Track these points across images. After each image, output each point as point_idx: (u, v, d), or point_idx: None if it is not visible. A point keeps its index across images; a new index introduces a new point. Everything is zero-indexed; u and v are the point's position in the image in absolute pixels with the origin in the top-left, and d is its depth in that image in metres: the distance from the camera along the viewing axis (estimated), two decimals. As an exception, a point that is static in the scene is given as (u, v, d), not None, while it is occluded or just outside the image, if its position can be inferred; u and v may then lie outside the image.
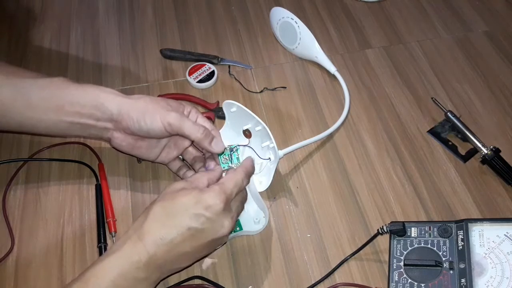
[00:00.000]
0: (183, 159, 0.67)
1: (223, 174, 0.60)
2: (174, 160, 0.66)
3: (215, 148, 0.61)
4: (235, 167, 0.65)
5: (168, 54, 0.83)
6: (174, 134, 0.61)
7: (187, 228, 0.51)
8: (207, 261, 0.61)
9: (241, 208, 0.58)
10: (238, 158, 0.65)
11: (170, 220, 0.51)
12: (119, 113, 0.59)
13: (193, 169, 0.65)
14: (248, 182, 0.58)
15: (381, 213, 0.65)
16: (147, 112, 0.59)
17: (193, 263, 0.57)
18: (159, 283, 0.54)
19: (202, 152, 0.66)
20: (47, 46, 0.86)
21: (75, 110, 0.60)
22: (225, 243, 0.59)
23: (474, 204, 0.66)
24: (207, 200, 0.52)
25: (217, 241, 0.54)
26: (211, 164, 0.62)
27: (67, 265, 0.60)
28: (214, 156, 0.63)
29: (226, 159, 0.64)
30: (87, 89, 0.61)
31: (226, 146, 0.63)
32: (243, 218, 0.61)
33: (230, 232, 0.55)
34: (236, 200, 0.56)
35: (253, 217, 0.63)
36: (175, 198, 0.53)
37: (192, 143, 0.65)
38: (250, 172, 0.59)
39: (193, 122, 0.60)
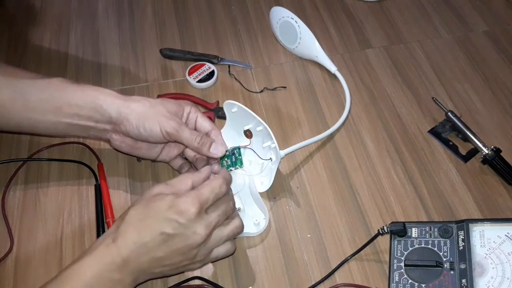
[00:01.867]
0: (185, 157, 0.67)
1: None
2: (176, 158, 0.66)
3: (214, 153, 0.60)
4: (234, 171, 0.65)
5: (168, 54, 0.83)
6: (173, 141, 0.61)
7: (159, 232, 0.51)
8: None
9: (223, 217, 0.55)
10: (241, 160, 0.65)
11: (143, 224, 0.51)
12: (118, 117, 0.59)
13: (195, 168, 0.65)
14: (227, 189, 0.56)
15: (381, 213, 0.65)
16: (146, 119, 0.59)
17: (175, 273, 0.56)
18: (139, 284, 0.54)
19: None
20: (46, 45, 0.86)
21: (74, 112, 0.59)
22: (208, 262, 0.57)
23: (475, 204, 0.66)
24: (180, 206, 0.51)
25: (192, 249, 0.52)
26: (215, 166, 0.61)
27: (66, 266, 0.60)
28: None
29: (227, 161, 0.64)
30: (86, 90, 0.60)
31: (228, 148, 0.63)
32: (243, 220, 0.61)
33: (206, 241, 0.53)
34: (216, 208, 0.54)
35: (253, 218, 0.63)
36: (150, 202, 0.53)
37: None
38: (229, 180, 0.58)
39: (190, 131, 0.60)
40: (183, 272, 0.57)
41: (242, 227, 0.58)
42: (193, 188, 0.55)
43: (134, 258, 0.50)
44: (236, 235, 0.57)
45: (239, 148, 0.65)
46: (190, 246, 0.52)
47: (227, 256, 0.58)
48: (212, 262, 0.59)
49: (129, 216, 0.52)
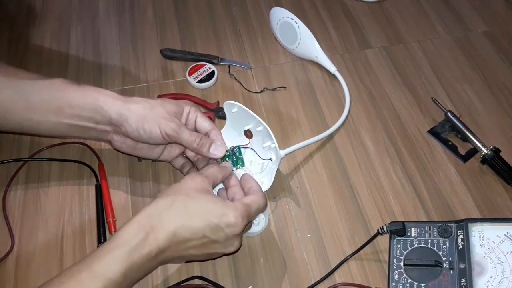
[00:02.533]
0: (186, 156, 0.67)
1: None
2: (177, 157, 0.66)
3: (214, 154, 0.61)
4: (236, 170, 0.65)
5: (168, 54, 0.83)
6: (173, 142, 0.62)
7: (202, 235, 0.52)
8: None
9: None
10: (242, 159, 0.65)
11: (190, 221, 0.51)
12: (118, 119, 0.59)
13: (196, 167, 0.65)
14: (265, 208, 0.59)
15: (381, 213, 0.65)
16: (146, 121, 0.59)
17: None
18: None
19: None
20: (47, 46, 0.86)
21: (75, 113, 0.60)
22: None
23: (474, 204, 0.66)
24: (231, 218, 0.52)
25: (221, 254, 0.56)
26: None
27: (67, 265, 0.60)
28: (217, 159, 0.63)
29: (228, 162, 0.64)
30: (86, 91, 0.60)
31: (228, 148, 0.63)
32: None
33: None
34: (248, 226, 0.57)
35: (253, 218, 0.63)
36: (200, 199, 0.53)
37: None
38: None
39: (190, 132, 0.60)
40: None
41: (250, 226, 0.60)
42: (220, 181, 0.59)
43: (169, 250, 0.51)
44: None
45: (239, 147, 0.65)
46: (222, 252, 0.55)
47: None
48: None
49: (176, 207, 0.52)
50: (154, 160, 0.69)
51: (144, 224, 0.51)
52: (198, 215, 0.52)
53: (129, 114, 0.59)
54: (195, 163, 0.65)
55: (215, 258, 0.60)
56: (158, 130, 0.59)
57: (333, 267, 0.60)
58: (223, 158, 0.63)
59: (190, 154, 0.66)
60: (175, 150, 0.66)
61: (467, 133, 0.71)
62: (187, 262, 0.60)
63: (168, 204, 0.52)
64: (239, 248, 0.56)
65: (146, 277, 0.55)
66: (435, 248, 0.58)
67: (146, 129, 0.59)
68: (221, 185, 0.61)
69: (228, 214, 0.52)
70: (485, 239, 0.57)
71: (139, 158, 0.69)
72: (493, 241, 0.57)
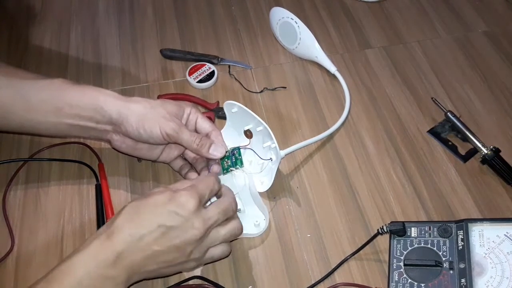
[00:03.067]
0: (185, 158, 0.67)
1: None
2: (176, 159, 0.66)
3: (214, 154, 0.61)
4: (235, 170, 0.65)
5: (168, 54, 0.83)
6: (172, 142, 0.61)
7: (157, 225, 0.50)
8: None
9: (223, 216, 0.55)
10: (241, 160, 0.65)
11: (141, 217, 0.51)
12: (118, 118, 0.59)
13: (195, 169, 0.65)
14: (219, 186, 0.57)
15: (381, 213, 0.65)
16: (146, 120, 0.59)
17: (169, 274, 0.55)
18: (132, 284, 0.53)
19: None
20: (47, 46, 0.86)
21: (75, 113, 0.60)
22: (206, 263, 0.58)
23: (474, 204, 0.66)
24: (180, 198, 0.52)
25: (188, 245, 0.52)
26: (215, 166, 0.62)
27: (67, 265, 0.60)
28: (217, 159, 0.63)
29: (227, 162, 0.64)
30: (86, 91, 0.60)
31: (228, 149, 0.63)
32: (243, 221, 0.61)
33: (203, 238, 0.52)
34: (215, 206, 0.54)
35: (253, 219, 0.63)
36: (148, 197, 0.53)
37: None
38: (219, 179, 0.58)
39: (190, 132, 0.60)
40: (177, 273, 0.57)
41: (240, 229, 0.57)
42: None
43: (129, 252, 0.49)
44: (233, 238, 0.57)
45: (239, 148, 0.65)
46: (187, 241, 0.52)
47: (222, 259, 0.58)
48: (205, 264, 0.59)
49: (126, 211, 0.52)
50: (153, 161, 0.69)
51: (100, 234, 0.51)
52: (148, 209, 0.52)
53: (129, 113, 0.59)
54: (194, 165, 0.65)
55: (193, 263, 0.55)
56: (158, 130, 0.59)
57: (333, 267, 0.60)
58: (222, 159, 0.63)
59: (189, 155, 0.66)
60: (174, 152, 0.66)
61: (467, 133, 0.71)
62: (169, 275, 0.57)
63: (119, 213, 0.52)
64: (204, 231, 0.52)
65: (146, 278, 0.55)
66: (435, 248, 0.58)
67: (147, 129, 0.59)
68: None
69: (175, 196, 0.52)
70: (485, 239, 0.57)
71: (139, 159, 0.69)
72: (493, 241, 0.57)
